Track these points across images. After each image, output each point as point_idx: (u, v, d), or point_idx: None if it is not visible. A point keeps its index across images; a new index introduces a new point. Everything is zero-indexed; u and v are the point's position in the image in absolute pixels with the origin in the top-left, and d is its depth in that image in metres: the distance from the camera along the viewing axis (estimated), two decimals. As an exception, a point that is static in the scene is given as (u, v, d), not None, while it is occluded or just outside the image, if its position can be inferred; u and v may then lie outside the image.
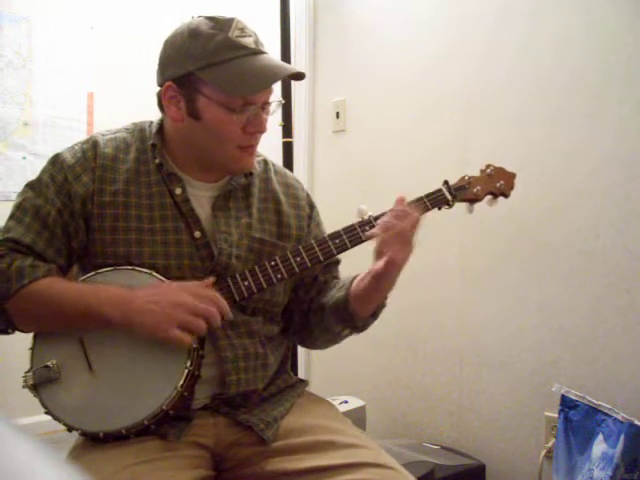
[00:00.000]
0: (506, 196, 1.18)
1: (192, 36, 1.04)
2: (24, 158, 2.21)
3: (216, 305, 1.01)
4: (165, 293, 1.00)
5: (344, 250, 1.09)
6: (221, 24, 1.04)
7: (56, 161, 1.10)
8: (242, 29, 1.05)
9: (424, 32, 2.17)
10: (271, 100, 1.11)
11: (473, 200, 1.16)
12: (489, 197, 1.17)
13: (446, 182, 1.14)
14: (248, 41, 1.05)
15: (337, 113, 2.49)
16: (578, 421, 1.60)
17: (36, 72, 2.23)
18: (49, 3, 2.26)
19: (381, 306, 1.15)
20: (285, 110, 2.22)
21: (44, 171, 1.11)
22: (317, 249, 1.08)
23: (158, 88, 1.10)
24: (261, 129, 1.09)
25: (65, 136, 2.26)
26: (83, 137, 1.17)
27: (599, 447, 1.51)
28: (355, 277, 1.13)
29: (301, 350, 2.39)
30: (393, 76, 2.27)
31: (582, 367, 1.71)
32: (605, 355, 1.67)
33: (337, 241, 1.08)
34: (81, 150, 1.11)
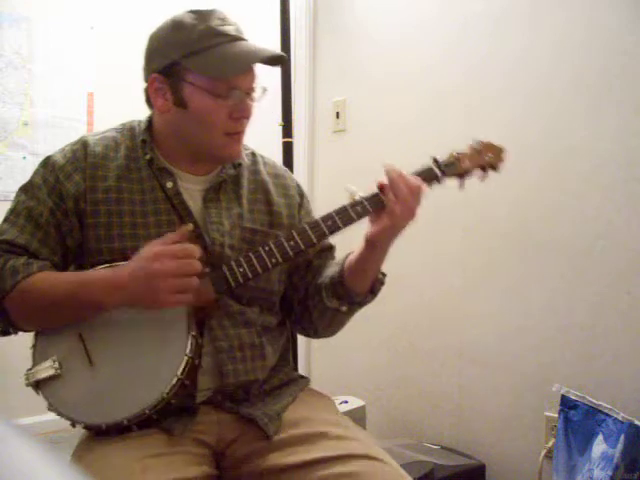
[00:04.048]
0: (495, 169, 1.16)
1: (175, 27, 1.08)
2: (24, 158, 2.21)
3: (191, 255, 0.99)
4: (146, 265, 0.98)
5: (336, 230, 1.09)
6: (203, 15, 1.08)
7: (47, 163, 1.12)
8: (223, 19, 1.09)
9: (424, 32, 2.17)
10: (255, 86, 1.12)
11: (463, 175, 1.15)
12: (479, 171, 1.16)
13: (435, 159, 1.14)
14: (229, 29, 1.08)
15: (337, 113, 2.49)
16: (578, 421, 1.60)
17: (36, 72, 2.23)
18: (49, 3, 2.26)
19: (379, 283, 1.16)
20: (285, 110, 2.22)
21: (36, 174, 1.13)
22: (310, 232, 1.08)
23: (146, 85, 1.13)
24: (246, 114, 1.11)
25: (65, 136, 2.25)
26: (82, 137, 1.17)
27: (599, 447, 1.51)
28: (349, 254, 1.15)
29: (301, 350, 2.38)
30: (393, 76, 2.27)
31: (582, 367, 1.71)
32: (605, 355, 1.67)
33: (329, 222, 1.09)
34: (71, 150, 1.13)
